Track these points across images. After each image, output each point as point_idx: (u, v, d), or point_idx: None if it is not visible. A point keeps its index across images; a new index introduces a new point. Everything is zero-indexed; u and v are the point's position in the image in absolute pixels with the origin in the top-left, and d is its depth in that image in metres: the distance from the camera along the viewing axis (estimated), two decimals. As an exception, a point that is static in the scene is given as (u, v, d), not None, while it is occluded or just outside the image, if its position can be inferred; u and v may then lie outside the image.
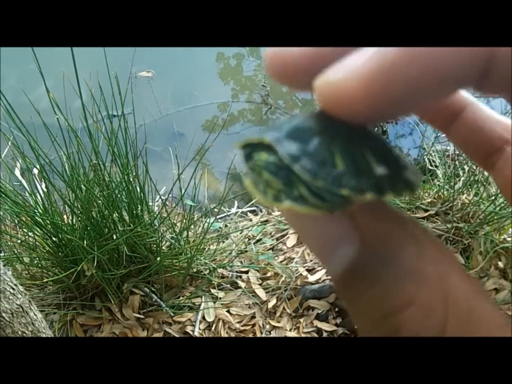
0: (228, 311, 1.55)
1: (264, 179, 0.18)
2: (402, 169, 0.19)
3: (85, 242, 1.37)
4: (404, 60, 0.13)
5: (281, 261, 1.70)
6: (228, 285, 1.62)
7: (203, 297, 1.57)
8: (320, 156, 0.17)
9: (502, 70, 0.14)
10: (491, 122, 0.24)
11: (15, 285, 1.00)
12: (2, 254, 1.48)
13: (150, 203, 1.57)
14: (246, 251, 1.72)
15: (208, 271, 1.62)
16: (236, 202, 2.11)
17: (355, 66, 0.14)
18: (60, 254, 1.39)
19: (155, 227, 1.49)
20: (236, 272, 1.66)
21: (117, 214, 1.42)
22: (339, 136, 0.18)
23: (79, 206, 1.38)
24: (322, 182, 0.17)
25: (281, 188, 0.18)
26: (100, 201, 1.36)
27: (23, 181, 1.63)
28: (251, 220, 2.00)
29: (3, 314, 0.95)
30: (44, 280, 1.41)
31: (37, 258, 1.46)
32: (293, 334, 1.49)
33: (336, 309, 1.54)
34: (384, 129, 2.67)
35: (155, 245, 1.51)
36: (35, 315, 1.05)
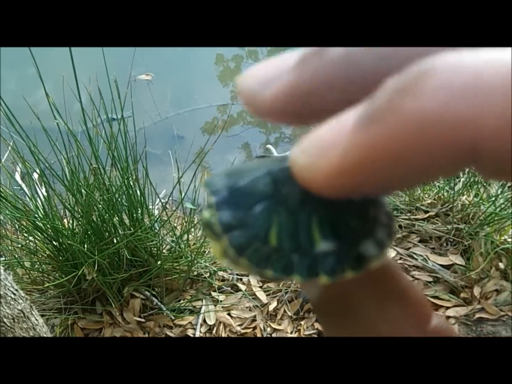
0: (229, 314, 1.55)
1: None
2: (361, 240, 0.16)
3: (85, 246, 1.37)
4: (388, 156, 0.12)
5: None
6: (229, 288, 1.62)
7: (203, 300, 1.57)
8: (255, 227, 0.15)
9: (490, 157, 0.12)
10: None
11: (16, 290, 1.00)
12: (2, 259, 1.48)
13: (150, 207, 1.57)
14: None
15: (208, 274, 1.62)
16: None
17: (330, 148, 0.12)
18: (60, 258, 1.39)
19: (156, 230, 1.49)
20: (237, 275, 1.66)
21: (117, 218, 1.42)
22: (291, 199, 0.15)
23: (79, 210, 1.38)
24: (246, 261, 0.15)
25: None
26: (100, 205, 1.36)
27: (23, 186, 1.63)
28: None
29: (4, 320, 0.95)
30: (45, 285, 1.40)
31: (38, 263, 1.46)
32: (294, 336, 1.49)
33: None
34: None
35: (155, 249, 1.51)
36: (36, 320, 1.05)
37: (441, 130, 0.11)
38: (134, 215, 1.44)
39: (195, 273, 1.61)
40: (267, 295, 1.60)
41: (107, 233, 1.41)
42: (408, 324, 0.17)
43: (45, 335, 1.07)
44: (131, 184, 1.39)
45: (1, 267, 0.98)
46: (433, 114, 0.11)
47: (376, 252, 0.16)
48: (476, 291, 1.51)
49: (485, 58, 0.11)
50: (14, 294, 0.99)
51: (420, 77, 0.11)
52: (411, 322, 0.17)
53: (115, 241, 1.41)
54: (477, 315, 1.47)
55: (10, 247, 1.45)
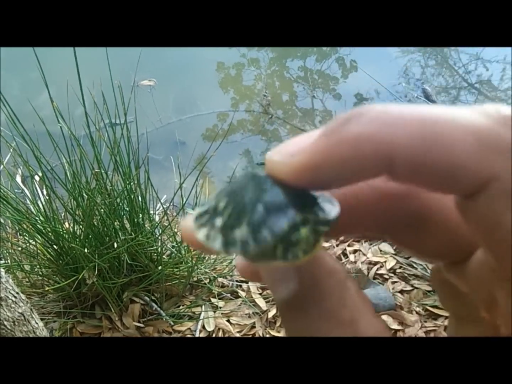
0: (228, 321, 1.55)
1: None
2: (294, 226, 0.17)
3: (86, 250, 1.37)
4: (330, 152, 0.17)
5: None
6: (228, 295, 1.62)
7: (203, 306, 1.57)
8: (211, 209, 0.18)
9: (401, 164, 0.17)
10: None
11: (17, 293, 1.00)
12: (2, 262, 1.47)
13: (151, 212, 1.57)
14: (246, 261, 1.72)
15: (208, 280, 1.62)
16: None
17: (297, 152, 0.18)
18: (60, 262, 1.39)
19: (156, 236, 1.49)
20: (236, 281, 1.66)
21: (118, 223, 1.42)
22: (247, 190, 0.18)
23: (80, 214, 1.38)
24: (202, 236, 0.18)
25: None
26: (102, 210, 1.36)
27: (25, 189, 1.63)
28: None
29: (5, 322, 0.94)
30: (46, 289, 1.40)
31: (38, 266, 1.46)
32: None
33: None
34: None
35: (156, 254, 1.51)
36: (37, 323, 1.05)
37: (368, 145, 0.16)
38: (135, 220, 1.44)
39: (195, 279, 1.61)
40: (266, 302, 1.60)
41: (107, 238, 1.41)
42: (362, 311, 0.19)
43: (45, 339, 1.07)
44: (133, 189, 1.39)
45: (2, 270, 0.98)
46: (364, 134, 0.16)
47: (307, 240, 0.17)
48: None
49: (400, 107, 0.16)
50: (15, 297, 0.99)
51: (359, 113, 0.17)
52: (365, 307, 0.19)
53: (115, 246, 1.41)
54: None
55: (10, 250, 1.45)
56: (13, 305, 0.98)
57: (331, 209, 0.19)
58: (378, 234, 0.23)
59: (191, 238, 0.20)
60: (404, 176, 0.17)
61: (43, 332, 1.08)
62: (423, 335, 1.49)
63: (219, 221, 0.18)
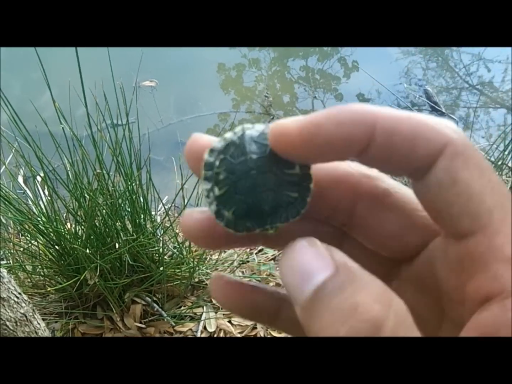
0: (229, 322, 1.54)
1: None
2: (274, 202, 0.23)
3: (88, 251, 1.37)
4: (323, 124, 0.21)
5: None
6: (230, 295, 1.61)
7: (204, 307, 1.57)
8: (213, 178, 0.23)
9: (380, 143, 0.20)
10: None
11: (20, 293, 1.00)
12: (4, 262, 1.47)
13: (153, 213, 1.57)
14: (247, 261, 1.72)
15: (209, 281, 1.62)
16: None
17: (298, 119, 0.22)
18: (62, 262, 1.39)
19: (158, 236, 1.49)
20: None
21: (120, 223, 1.42)
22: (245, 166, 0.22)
23: (82, 214, 1.39)
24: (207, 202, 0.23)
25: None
26: (104, 210, 1.36)
27: (27, 189, 1.64)
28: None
29: (7, 323, 0.95)
30: (48, 289, 1.40)
31: (40, 266, 1.46)
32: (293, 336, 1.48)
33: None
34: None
35: (157, 255, 1.51)
36: (39, 323, 1.05)
37: (357, 113, 0.20)
38: (137, 221, 1.44)
39: (196, 279, 1.61)
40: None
41: (109, 238, 1.41)
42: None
43: (46, 340, 1.07)
44: (135, 190, 1.39)
45: (5, 271, 0.98)
46: (355, 106, 0.21)
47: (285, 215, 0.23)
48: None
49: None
50: (17, 297, 0.99)
51: (344, 107, 0.21)
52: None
53: (117, 247, 1.41)
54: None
55: (12, 250, 1.45)
56: (15, 306, 0.98)
57: (301, 206, 0.23)
58: (339, 222, 0.26)
59: (192, 233, 0.24)
60: (380, 148, 0.20)
61: (45, 333, 1.08)
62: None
63: (216, 191, 0.22)
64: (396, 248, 0.24)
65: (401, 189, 0.24)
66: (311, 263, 0.19)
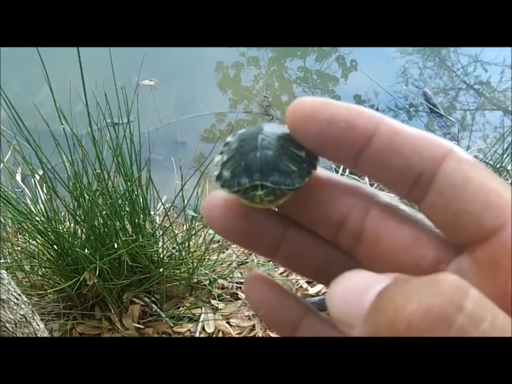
0: (228, 323, 1.54)
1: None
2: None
3: (86, 251, 1.37)
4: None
5: (281, 273, 1.70)
6: (228, 296, 1.62)
7: (203, 308, 1.56)
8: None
9: (383, 138, 0.21)
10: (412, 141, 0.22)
11: (19, 295, 1.00)
12: (2, 261, 1.47)
13: (152, 213, 1.57)
14: (246, 262, 1.72)
15: (208, 281, 1.62)
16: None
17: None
18: (61, 262, 1.39)
19: (157, 237, 1.49)
20: (237, 283, 1.66)
21: (119, 224, 1.42)
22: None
23: (81, 214, 1.38)
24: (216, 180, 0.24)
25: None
26: (103, 210, 1.36)
27: (25, 188, 1.63)
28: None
29: (7, 324, 0.94)
30: (48, 290, 1.40)
31: (38, 266, 1.46)
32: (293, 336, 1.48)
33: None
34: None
35: (156, 255, 1.51)
36: (38, 325, 1.05)
37: (364, 113, 0.22)
38: (136, 221, 1.44)
39: (195, 280, 1.61)
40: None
41: (108, 239, 1.41)
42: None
43: (45, 340, 1.07)
44: (134, 190, 1.39)
45: (5, 272, 0.98)
46: (364, 109, 0.22)
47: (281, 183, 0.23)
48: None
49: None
50: (17, 299, 0.98)
51: None
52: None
53: (116, 247, 1.41)
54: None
55: (10, 250, 1.45)
56: (15, 307, 0.98)
57: (298, 181, 0.23)
58: (347, 237, 0.25)
59: (213, 214, 0.24)
60: (382, 143, 0.21)
61: (44, 334, 1.08)
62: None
63: (225, 158, 0.24)
64: (407, 263, 0.23)
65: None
66: (366, 278, 0.19)
